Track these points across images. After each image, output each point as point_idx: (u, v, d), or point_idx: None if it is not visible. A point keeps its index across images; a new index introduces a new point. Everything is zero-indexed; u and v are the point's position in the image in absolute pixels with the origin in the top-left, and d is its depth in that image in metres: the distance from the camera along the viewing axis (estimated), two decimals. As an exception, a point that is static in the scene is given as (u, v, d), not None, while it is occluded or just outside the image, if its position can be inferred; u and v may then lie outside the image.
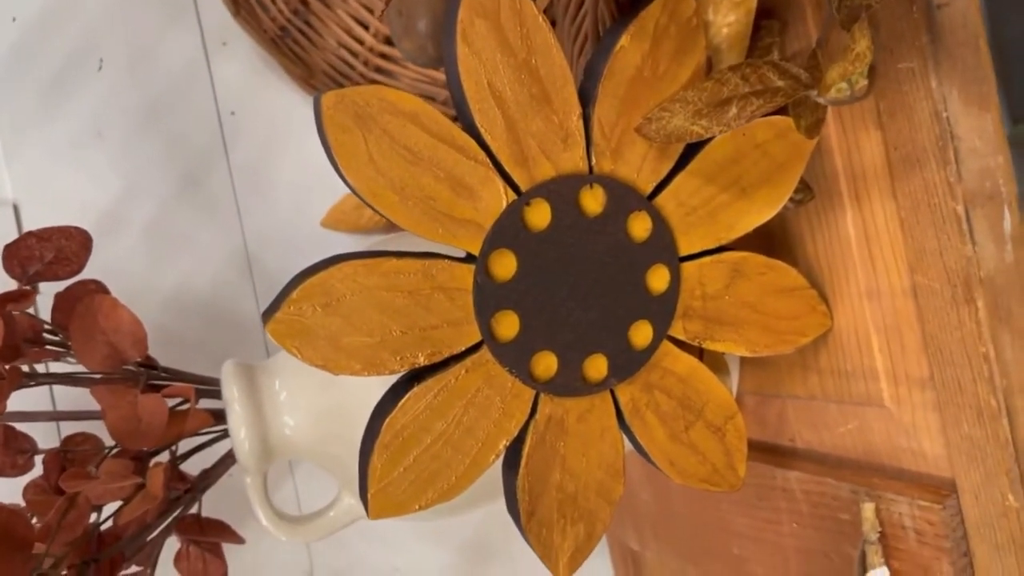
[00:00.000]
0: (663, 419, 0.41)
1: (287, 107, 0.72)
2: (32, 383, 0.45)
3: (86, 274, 0.54)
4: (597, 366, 0.39)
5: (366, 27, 0.71)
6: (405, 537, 0.74)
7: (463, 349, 0.37)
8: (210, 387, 0.51)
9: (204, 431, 0.50)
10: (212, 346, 0.70)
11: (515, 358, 0.38)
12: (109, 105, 0.69)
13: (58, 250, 0.44)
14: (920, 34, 0.34)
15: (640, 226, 0.39)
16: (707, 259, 0.41)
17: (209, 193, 0.71)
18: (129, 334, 0.45)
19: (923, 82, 0.34)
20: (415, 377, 0.37)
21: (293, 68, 0.70)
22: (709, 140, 0.39)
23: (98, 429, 0.52)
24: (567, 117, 0.37)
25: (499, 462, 0.39)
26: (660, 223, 0.39)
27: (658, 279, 0.40)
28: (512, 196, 0.37)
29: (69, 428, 0.54)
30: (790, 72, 0.35)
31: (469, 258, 0.37)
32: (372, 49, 0.71)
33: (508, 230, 0.37)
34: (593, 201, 0.38)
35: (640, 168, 0.39)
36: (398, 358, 0.36)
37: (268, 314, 0.35)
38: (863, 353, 0.42)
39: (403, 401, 0.36)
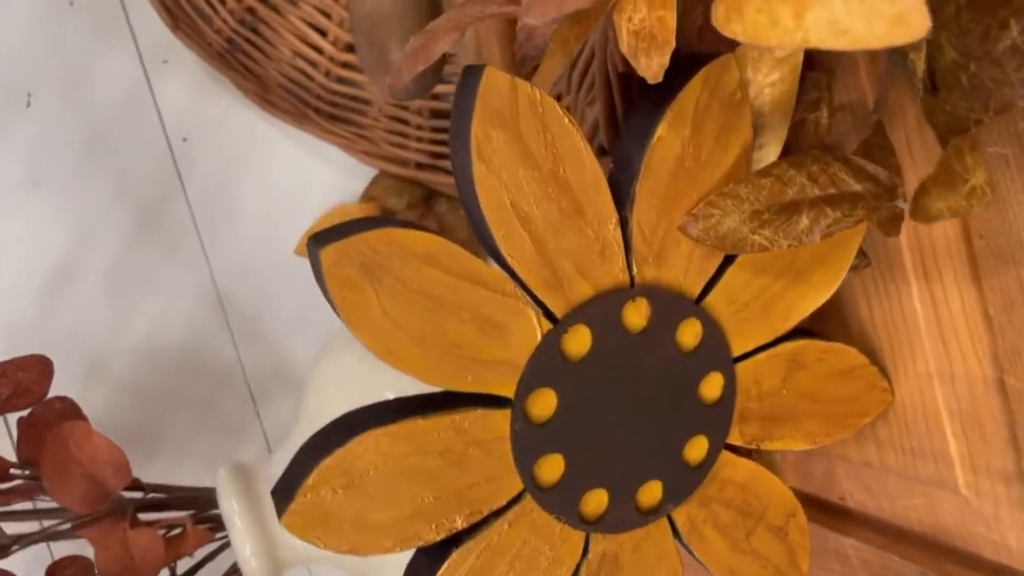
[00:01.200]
0: (723, 532, 0.37)
1: (243, 127, 0.65)
2: (14, 548, 0.40)
3: (44, 343, 0.48)
4: (651, 492, 0.35)
5: (323, 33, 0.63)
6: None
7: (504, 503, 0.32)
8: (206, 495, 0.46)
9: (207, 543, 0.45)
10: (193, 398, 0.65)
11: (562, 502, 0.33)
12: (43, 146, 0.61)
13: (16, 384, 0.39)
14: (1017, 118, 0.29)
15: (689, 333, 0.34)
16: (762, 355, 0.36)
17: (168, 231, 0.64)
18: (108, 463, 0.40)
19: (1019, 173, 0.30)
20: (452, 539, 0.32)
21: (246, 84, 0.63)
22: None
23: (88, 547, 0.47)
24: (603, 227, 0.32)
25: (550, 607, 0.35)
26: (710, 326, 0.34)
27: (711, 387, 0.35)
28: (547, 326, 0.32)
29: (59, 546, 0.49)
30: (866, 172, 0.30)
31: (503, 401, 0.32)
32: (332, 58, 0.64)
33: (545, 365, 0.32)
34: (637, 315, 0.33)
35: (686, 270, 0.34)
36: (433, 526, 0.31)
37: (281, 503, 0.30)
38: (933, 435, 0.38)
39: (441, 571, 0.32)
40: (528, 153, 0.30)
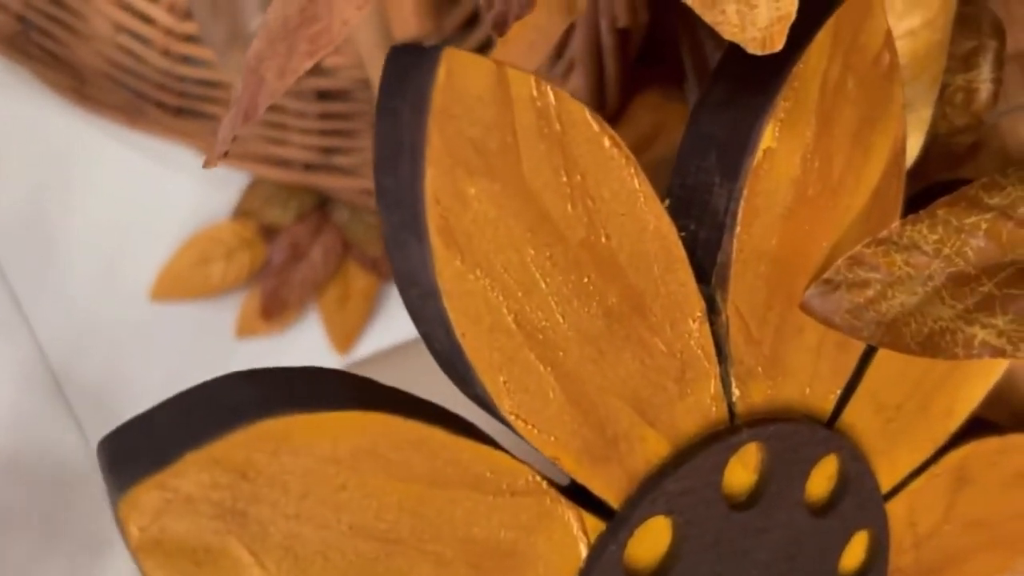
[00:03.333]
0: None
1: (58, 135, 0.48)
2: None
3: None
4: None
5: (154, -3, 0.46)
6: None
7: None
8: None
9: None
10: (33, 513, 0.48)
11: None
12: None
13: None
14: None
15: (823, 478, 0.20)
16: (919, 480, 0.22)
17: (-34, 289, 0.47)
18: None
19: None
20: None
21: (52, 75, 0.46)
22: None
23: None
24: (679, 328, 0.17)
25: None
26: (852, 460, 0.20)
27: (854, 554, 0.21)
28: (596, 528, 0.17)
29: None
30: None
31: None
32: (171, 30, 0.46)
33: (599, 600, 0.17)
34: (743, 472, 0.18)
35: (813, 374, 0.19)
36: None
37: None
38: None
39: None
40: (542, 215, 0.15)
